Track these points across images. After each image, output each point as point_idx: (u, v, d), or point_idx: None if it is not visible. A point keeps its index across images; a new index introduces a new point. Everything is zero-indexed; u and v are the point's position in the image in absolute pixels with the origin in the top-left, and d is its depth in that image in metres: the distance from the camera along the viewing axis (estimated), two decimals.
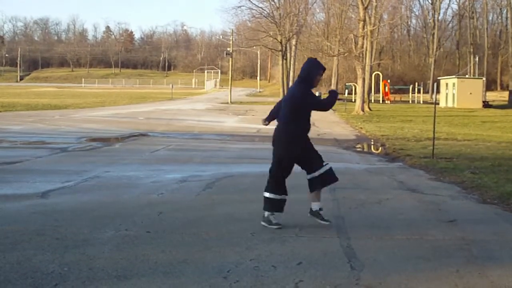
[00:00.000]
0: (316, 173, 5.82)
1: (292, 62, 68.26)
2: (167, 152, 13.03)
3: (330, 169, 5.88)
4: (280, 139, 5.81)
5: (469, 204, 7.35)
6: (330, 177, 5.88)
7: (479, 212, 6.87)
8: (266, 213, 5.76)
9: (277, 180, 5.81)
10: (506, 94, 54.99)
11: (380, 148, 15.27)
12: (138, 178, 8.90)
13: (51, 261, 4.50)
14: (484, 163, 11.07)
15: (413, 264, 4.63)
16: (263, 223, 5.74)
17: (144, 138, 16.43)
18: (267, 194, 5.79)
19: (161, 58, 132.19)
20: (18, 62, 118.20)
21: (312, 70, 5.85)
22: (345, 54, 40.26)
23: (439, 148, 13.31)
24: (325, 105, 5.92)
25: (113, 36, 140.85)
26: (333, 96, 6.02)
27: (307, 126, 5.89)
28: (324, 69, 6.00)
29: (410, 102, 53.40)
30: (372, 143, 16.89)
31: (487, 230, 5.87)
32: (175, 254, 4.78)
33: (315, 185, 5.84)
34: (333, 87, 72.02)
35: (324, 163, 5.89)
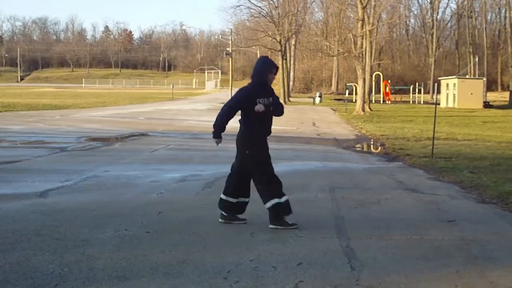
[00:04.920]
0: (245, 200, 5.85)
1: (292, 62, 68.37)
2: (167, 152, 13.03)
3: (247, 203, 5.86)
4: (238, 141, 5.76)
5: (468, 204, 7.36)
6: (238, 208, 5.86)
7: (478, 212, 6.87)
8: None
9: (266, 184, 5.66)
10: (506, 94, 55.00)
11: (380, 147, 15.28)
12: (137, 177, 8.90)
13: (51, 261, 4.50)
14: (483, 162, 11.07)
15: (412, 264, 4.63)
16: (272, 226, 5.65)
17: (144, 138, 16.43)
18: (268, 205, 5.63)
19: (161, 58, 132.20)
20: (18, 62, 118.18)
21: (263, 69, 5.73)
22: (345, 54, 40.31)
23: (439, 148, 13.32)
24: (222, 112, 5.73)
25: (112, 35, 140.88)
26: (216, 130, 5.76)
27: (260, 126, 5.72)
28: (277, 67, 5.83)
29: (411, 102, 53.42)
30: (372, 143, 16.89)
31: (487, 230, 5.87)
32: (175, 254, 4.77)
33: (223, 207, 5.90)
34: (333, 87, 72.22)
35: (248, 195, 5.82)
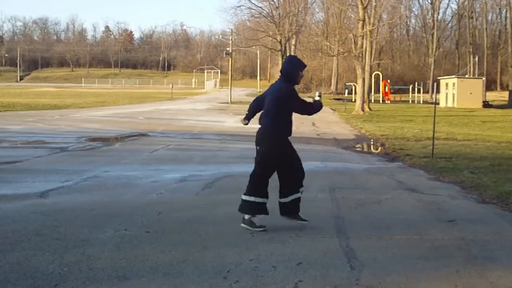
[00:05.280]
0: (288, 199, 5.72)
1: None
2: (167, 152, 13.03)
3: (299, 198, 5.78)
4: (264, 137, 5.68)
5: (469, 204, 7.36)
6: (294, 207, 5.76)
7: (479, 212, 6.87)
8: (247, 216, 5.64)
9: (258, 181, 5.67)
10: (506, 94, 54.97)
11: (380, 148, 15.27)
12: (137, 177, 8.90)
13: (51, 261, 4.50)
14: (483, 162, 11.07)
15: (412, 264, 4.63)
16: (243, 225, 5.63)
17: (143, 138, 16.42)
18: (246, 197, 5.63)
19: (160, 58, 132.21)
20: (18, 62, 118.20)
21: (293, 69, 5.74)
22: (345, 54, 40.30)
23: (439, 148, 13.31)
24: (311, 109, 5.87)
25: (112, 36, 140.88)
26: (319, 106, 5.98)
27: (290, 126, 5.78)
28: (305, 66, 5.89)
29: (410, 102, 53.39)
30: (372, 143, 16.89)
31: (487, 230, 5.87)
32: (175, 254, 4.78)
33: (285, 210, 5.75)
34: (333, 87, 72.17)
35: (299, 189, 5.76)
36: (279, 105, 5.66)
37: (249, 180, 5.74)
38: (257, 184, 5.66)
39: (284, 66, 5.80)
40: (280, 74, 5.80)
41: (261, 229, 5.58)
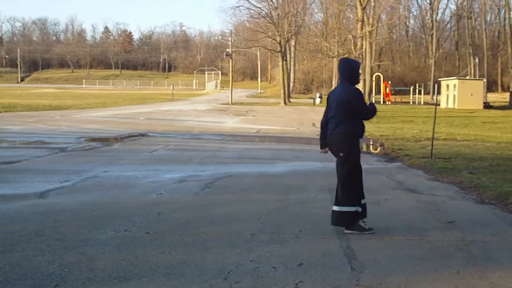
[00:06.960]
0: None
1: (292, 63, 68.42)
2: (166, 152, 13.03)
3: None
4: (342, 141, 5.64)
5: (468, 205, 7.35)
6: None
7: (478, 213, 6.87)
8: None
9: (357, 186, 5.63)
10: (507, 95, 54.98)
11: (379, 148, 15.26)
12: (136, 178, 8.90)
13: (51, 262, 4.50)
14: (482, 163, 11.06)
15: (412, 265, 4.63)
16: (349, 231, 5.54)
17: (143, 138, 16.43)
18: (346, 208, 5.54)
19: (161, 59, 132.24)
20: (19, 63, 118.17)
21: (357, 70, 5.81)
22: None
23: (438, 148, 13.31)
24: (369, 112, 5.74)
25: (111, 36, 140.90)
26: (374, 108, 5.86)
27: (361, 126, 5.77)
28: (359, 63, 6.01)
29: (411, 103, 53.38)
30: (371, 143, 16.88)
31: (486, 230, 5.87)
32: (175, 255, 4.78)
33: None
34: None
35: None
36: (344, 108, 5.62)
37: (343, 191, 5.59)
38: (357, 189, 5.62)
39: (347, 68, 5.78)
40: (340, 76, 5.84)
41: (371, 231, 5.57)
